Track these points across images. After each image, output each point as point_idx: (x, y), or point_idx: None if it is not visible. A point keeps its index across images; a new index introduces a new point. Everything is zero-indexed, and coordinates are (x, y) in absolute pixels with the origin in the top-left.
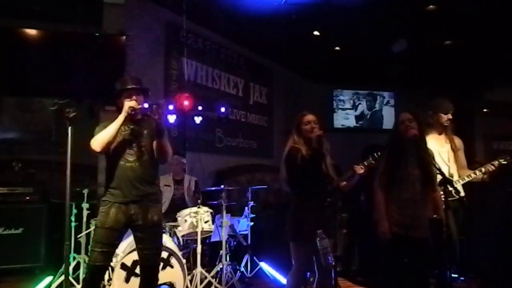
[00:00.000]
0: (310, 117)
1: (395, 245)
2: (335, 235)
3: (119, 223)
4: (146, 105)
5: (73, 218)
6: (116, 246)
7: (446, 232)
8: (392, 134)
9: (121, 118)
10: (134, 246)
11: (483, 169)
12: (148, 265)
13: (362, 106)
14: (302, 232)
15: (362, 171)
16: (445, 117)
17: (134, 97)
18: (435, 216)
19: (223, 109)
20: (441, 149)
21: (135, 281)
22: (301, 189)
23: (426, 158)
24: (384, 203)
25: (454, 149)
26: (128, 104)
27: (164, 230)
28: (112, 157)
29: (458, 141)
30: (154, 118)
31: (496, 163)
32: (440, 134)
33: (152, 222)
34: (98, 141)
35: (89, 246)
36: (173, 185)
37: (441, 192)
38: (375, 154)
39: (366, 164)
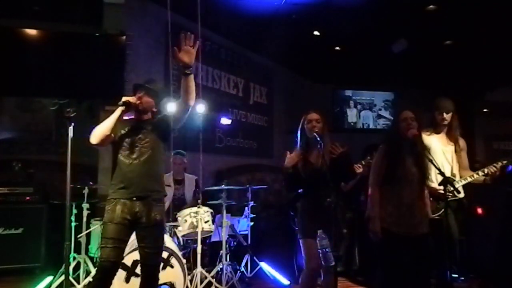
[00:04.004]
0: (313, 115)
1: (395, 245)
2: (336, 234)
3: (126, 220)
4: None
5: (73, 218)
6: (126, 243)
7: (446, 232)
8: (391, 131)
9: (117, 111)
10: (135, 246)
11: (485, 170)
12: (148, 264)
13: (362, 106)
14: (302, 229)
15: (360, 170)
16: (440, 117)
17: (138, 95)
18: (435, 216)
19: (226, 120)
20: (445, 148)
21: (135, 281)
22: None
23: (423, 157)
24: (379, 202)
25: (457, 150)
26: (124, 98)
27: (164, 230)
28: (117, 154)
29: (462, 142)
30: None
31: (498, 165)
32: (438, 133)
33: (155, 221)
34: (94, 134)
35: (99, 244)
36: (173, 185)
37: (442, 192)
38: (373, 153)
39: (364, 163)
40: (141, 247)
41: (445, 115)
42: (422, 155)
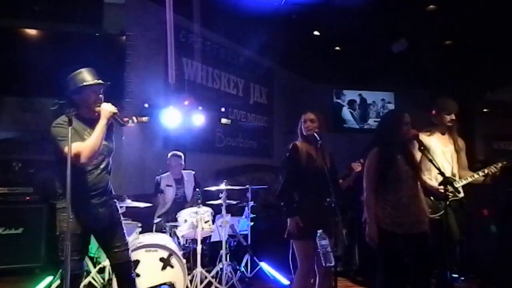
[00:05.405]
0: (309, 115)
1: (395, 245)
2: (336, 234)
3: (88, 228)
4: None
5: None
6: (88, 251)
7: (446, 232)
8: (388, 133)
9: (103, 125)
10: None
11: (486, 170)
12: (121, 262)
13: (362, 106)
14: (299, 230)
15: (359, 168)
16: (448, 118)
17: (100, 95)
18: (435, 216)
19: (222, 109)
20: (444, 148)
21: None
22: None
23: (413, 153)
24: (375, 207)
25: (457, 150)
26: (111, 110)
27: (164, 230)
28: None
29: (461, 143)
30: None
31: (498, 165)
32: (443, 134)
33: (117, 221)
34: (86, 154)
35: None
36: (174, 184)
37: (442, 191)
38: None
39: (362, 161)
40: (109, 249)
41: (453, 115)
42: (409, 151)
